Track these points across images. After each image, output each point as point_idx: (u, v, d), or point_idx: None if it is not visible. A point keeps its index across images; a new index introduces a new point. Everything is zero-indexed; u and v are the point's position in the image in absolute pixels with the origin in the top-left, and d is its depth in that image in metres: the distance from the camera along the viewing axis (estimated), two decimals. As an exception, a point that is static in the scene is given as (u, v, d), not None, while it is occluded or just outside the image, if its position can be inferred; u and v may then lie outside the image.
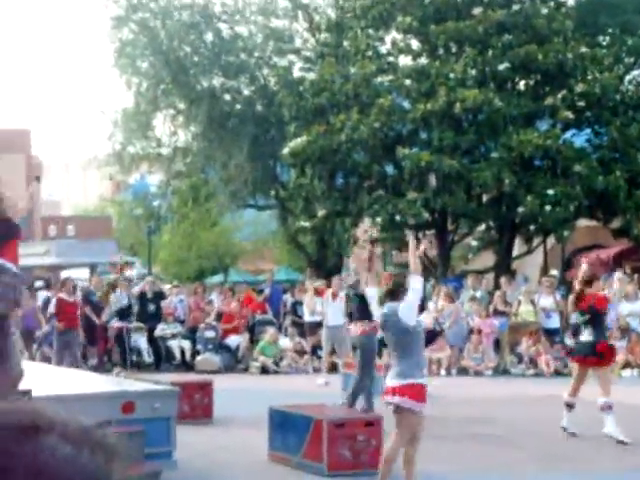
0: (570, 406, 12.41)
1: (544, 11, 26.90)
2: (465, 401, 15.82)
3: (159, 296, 23.25)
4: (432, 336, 15.61)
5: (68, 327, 18.30)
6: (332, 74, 27.11)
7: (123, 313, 22.58)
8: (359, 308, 13.37)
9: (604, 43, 28.18)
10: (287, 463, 10.25)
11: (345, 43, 28.57)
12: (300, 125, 27.47)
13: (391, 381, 8.57)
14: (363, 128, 25.94)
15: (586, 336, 12.39)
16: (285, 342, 22.40)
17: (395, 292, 8.76)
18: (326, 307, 19.62)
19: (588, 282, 12.51)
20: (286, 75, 29.79)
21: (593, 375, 12.37)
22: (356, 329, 13.31)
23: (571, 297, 13.27)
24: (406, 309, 8.58)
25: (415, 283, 8.71)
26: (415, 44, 28.12)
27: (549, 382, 19.07)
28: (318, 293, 21.42)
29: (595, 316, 12.38)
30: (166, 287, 25.51)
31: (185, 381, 14.62)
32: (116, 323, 22.38)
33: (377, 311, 9.42)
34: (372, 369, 13.16)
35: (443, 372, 20.58)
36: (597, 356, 12.28)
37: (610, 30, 28.24)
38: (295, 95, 27.94)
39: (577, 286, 12.73)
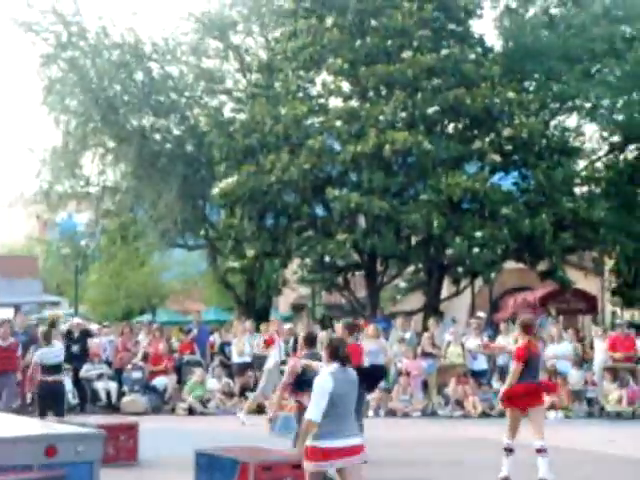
0: (509, 450, 12.33)
1: (472, 56, 27.29)
2: (392, 443, 15.79)
3: (85, 336, 22.89)
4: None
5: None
6: (263, 115, 27.14)
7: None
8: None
9: (530, 89, 28.65)
10: (213, 507, 10.11)
11: (276, 84, 28.66)
12: (230, 165, 27.42)
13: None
14: (293, 169, 25.99)
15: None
16: (213, 383, 22.21)
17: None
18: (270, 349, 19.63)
19: (528, 329, 12.49)
20: (217, 115, 29.78)
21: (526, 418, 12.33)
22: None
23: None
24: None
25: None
26: (346, 86, 28.30)
27: (476, 424, 19.15)
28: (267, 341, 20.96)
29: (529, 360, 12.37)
30: (94, 327, 25.17)
31: (110, 423, 14.36)
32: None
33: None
34: None
35: (371, 413, 20.53)
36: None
37: (536, 76, 28.73)
38: (225, 135, 27.91)
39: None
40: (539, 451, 11.91)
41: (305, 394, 12.15)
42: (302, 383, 12.15)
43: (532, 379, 12.21)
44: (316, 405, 8.10)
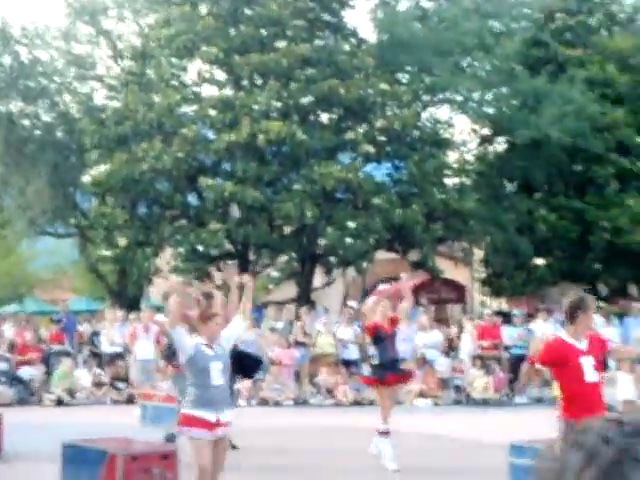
0: (385, 433, 12.45)
1: (346, 48, 27.51)
2: (264, 432, 15.81)
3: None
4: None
5: None
6: (135, 103, 26.80)
7: None
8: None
9: (403, 81, 29.02)
10: (79, 499, 9.95)
11: (149, 72, 28.32)
12: (102, 153, 27.02)
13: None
14: (166, 158, 25.75)
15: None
16: (82, 373, 21.85)
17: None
18: (137, 340, 19.40)
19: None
20: (88, 102, 29.28)
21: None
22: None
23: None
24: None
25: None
26: (220, 75, 28.18)
27: (347, 412, 19.33)
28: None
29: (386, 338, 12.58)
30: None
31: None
32: None
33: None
34: None
35: (243, 402, 20.51)
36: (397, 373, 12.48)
37: (409, 68, 29.11)
38: (97, 123, 27.47)
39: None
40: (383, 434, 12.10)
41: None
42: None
43: (389, 357, 12.38)
44: None
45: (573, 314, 7.78)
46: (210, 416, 8.35)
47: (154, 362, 19.12)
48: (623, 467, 0.78)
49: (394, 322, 12.55)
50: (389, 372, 12.25)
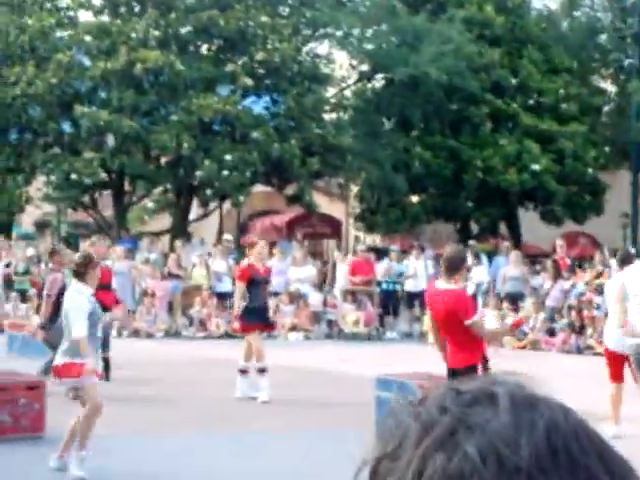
0: (244, 372, 12.68)
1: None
2: (134, 363, 15.76)
3: None
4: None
5: None
6: (7, 24, 25.97)
7: None
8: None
9: (284, 14, 28.80)
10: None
11: (22, -7, 27.44)
12: (-29, 77, 26.19)
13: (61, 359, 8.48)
14: (39, 83, 25.12)
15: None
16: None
17: (80, 273, 8.53)
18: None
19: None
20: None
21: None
22: None
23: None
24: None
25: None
26: (97, 0, 27.48)
27: (219, 344, 19.40)
28: None
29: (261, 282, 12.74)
30: None
31: None
32: None
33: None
34: None
35: (114, 333, 20.36)
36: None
37: (290, 2, 28.89)
38: (-35, 45, 26.58)
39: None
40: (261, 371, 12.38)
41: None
42: None
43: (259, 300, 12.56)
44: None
45: (456, 268, 7.86)
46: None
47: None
48: (458, 436, 0.81)
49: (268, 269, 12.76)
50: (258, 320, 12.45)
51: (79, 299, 8.40)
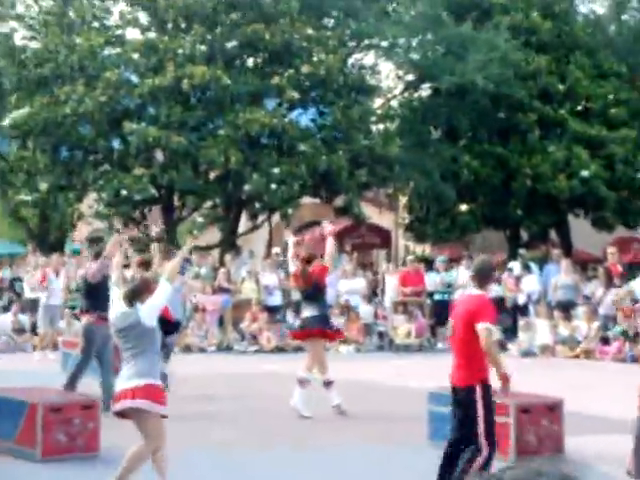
0: (303, 382, 12.54)
1: (271, -9, 27.24)
2: (188, 378, 15.84)
3: None
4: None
5: None
6: (56, 44, 26.31)
7: None
8: (87, 296, 13.09)
9: (329, 26, 28.87)
10: (-1, 449, 9.92)
11: (70, 13, 27.78)
12: (22, 96, 26.53)
13: (127, 383, 7.75)
14: (89, 101, 25.38)
15: (310, 311, 12.61)
16: (2, 319, 21.62)
17: (137, 293, 8.01)
18: (48, 285, 19.29)
19: (308, 261, 12.81)
20: (7, 42, 28.60)
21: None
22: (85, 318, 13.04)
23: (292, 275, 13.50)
24: (148, 309, 7.88)
25: (164, 285, 8.03)
26: (143, 17, 27.75)
27: (270, 358, 19.45)
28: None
29: (317, 291, 12.65)
30: None
31: None
32: None
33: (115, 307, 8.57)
34: (90, 355, 12.84)
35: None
36: (326, 328, 12.59)
37: (334, 13, 28.95)
38: (17, 64, 26.94)
39: (299, 265, 12.93)
40: (326, 384, 12.26)
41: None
42: None
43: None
44: None
45: (486, 278, 7.81)
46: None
47: (61, 308, 19.13)
48: None
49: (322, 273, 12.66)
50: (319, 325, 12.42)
51: None
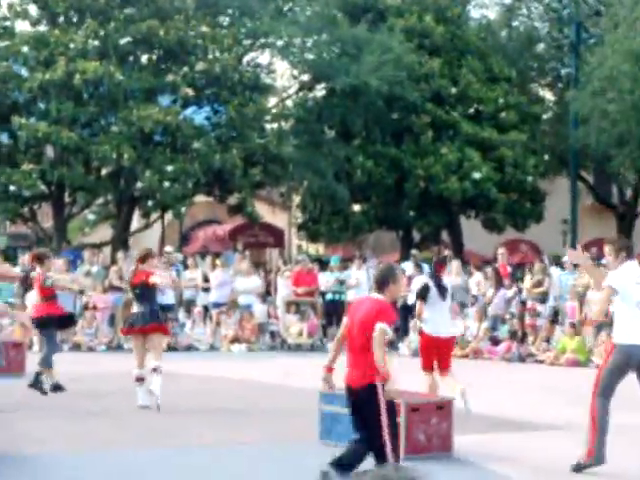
0: (141, 379, 12.77)
1: (167, -12, 27.00)
2: (75, 378, 15.59)
3: None
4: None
5: None
6: (-58, 34, 25.67)
7: None
8: None
9: (224, 24, 28.75)
10: None
11: (-43, 3, 27.14)
12: None
13: None
14: (-24, 94, 24.82)
15: (138, 308, 13.01)
16: None
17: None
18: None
19: (142, 259, 13.05)
20: None
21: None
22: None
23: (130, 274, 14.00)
24: None
25: None
26: (33, 10, 27.22)
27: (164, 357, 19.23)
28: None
29: (146, 290, 12.99)
30: None
31: None
32: None
33: None
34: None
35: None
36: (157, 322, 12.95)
37: (230, 11, 28.86)
38: None
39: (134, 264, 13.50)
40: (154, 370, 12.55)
41: None
42: None
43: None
44: None
45: (383, 284, 7.91)
46: None
47: None
48: None
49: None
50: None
51: None
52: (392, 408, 7.75)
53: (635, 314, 8.88)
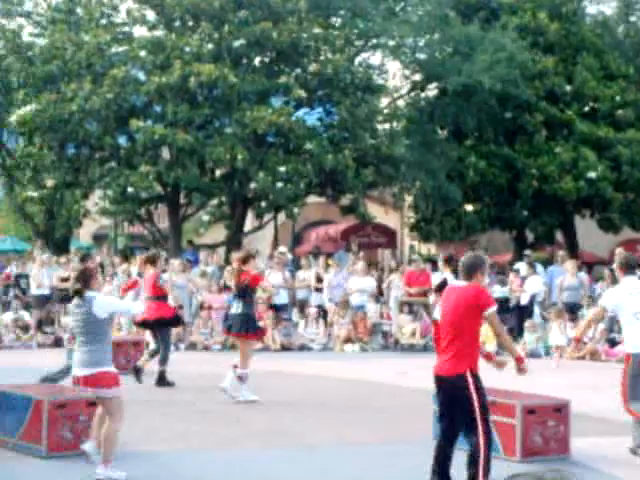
0: (242, 378, 13.15)
1: (279, -10, 27.20)
2: (193, 377, 15.86)
3: None
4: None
5: None
6: (64, 41, 26.33)
7: None
8: None
9: (336, 25, 28.84)
10: (4, 445, 9.91)
11: (78, 10, 27.82)
12: (29, 92, 26.55)
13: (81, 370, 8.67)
14: (96, 98, 25.38)
15: (236, 309, 13.31)
16: (8, 316, 21.60)
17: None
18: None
19: (244, 260, 13.32)
20: (14, 39, 28.58)
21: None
22: None
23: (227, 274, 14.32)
24: (103, 304, 8.75)
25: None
26: (151, 15, 27.76)
27: (275, 357, 19.44)
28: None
29: (247, 292, 13.27)
30: None
31: None
32: None
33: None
34: None
35: (171, 347, 20.48)
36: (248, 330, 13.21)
37: (342, 12, 28.92)
38: (24, 61, 26.98)
39: (234, 264, 13.77)
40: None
41: None
42: None
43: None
44: None
45: (472, 272, 7.86)
46: None
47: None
48: None
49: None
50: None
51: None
52: (482, 392, 7.70)
53: (633, 323, 9.61)
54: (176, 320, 15.51)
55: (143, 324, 15.17)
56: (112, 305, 8.97)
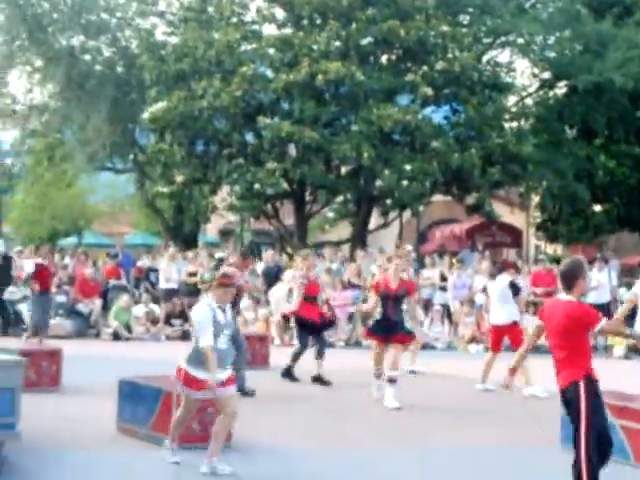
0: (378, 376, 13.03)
1: (407, -13, 27.14)
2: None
3: (9, 258, 22.54)
4: None
5: None
6: (195, 40, 26.82)
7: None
8: None
9: (464, 22, 28.66)
10: (135, 435, 10.16)
11: (209, 9, 28.29)
12: (161, 90, 27.13)
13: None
14: (225, 96, 25.79)
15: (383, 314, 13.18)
16: (139, 309, 22.14)
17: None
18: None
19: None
20: (148, 38, 29.27)
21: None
22: None
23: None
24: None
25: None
26: (280, 13, 28.04)
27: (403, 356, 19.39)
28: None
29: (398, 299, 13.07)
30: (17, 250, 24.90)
31: (32, 349, 14.35)
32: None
33: None
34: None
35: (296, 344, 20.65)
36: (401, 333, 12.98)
37: (470, 10, 28.73)
38: (157, 59, 27.56)
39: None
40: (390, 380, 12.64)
41: None
42: None
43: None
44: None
45: (573, 280, 7.60)
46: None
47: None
48: None
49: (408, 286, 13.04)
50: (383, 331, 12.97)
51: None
52: (599, 408, 7.50)
53: None
54: (324, 326, 15.41)
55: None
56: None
